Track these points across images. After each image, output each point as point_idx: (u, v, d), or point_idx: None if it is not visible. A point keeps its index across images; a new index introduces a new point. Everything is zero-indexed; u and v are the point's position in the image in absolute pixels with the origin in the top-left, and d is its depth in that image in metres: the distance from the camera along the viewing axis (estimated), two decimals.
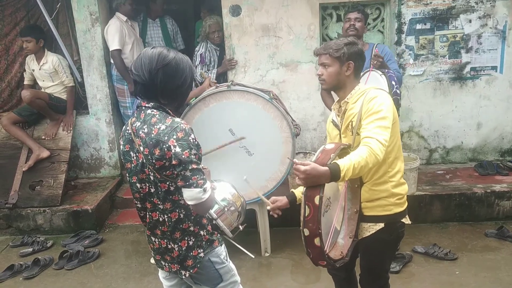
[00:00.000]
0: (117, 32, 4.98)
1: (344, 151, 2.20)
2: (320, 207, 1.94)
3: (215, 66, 4.98)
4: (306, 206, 1.96)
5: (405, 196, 2.48)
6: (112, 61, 5.17)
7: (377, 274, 2.60)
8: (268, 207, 2.60)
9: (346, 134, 2.42)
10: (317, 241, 1.98)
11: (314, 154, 4.69)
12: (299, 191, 2.58)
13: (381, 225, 2.41)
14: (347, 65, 2.36)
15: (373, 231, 2.42)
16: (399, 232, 2.49)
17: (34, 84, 5.30)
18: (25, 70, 5.26)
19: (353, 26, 3.94)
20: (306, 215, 1.96)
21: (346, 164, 2.01)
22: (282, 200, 2.57)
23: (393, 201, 2.41)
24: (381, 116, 2.20)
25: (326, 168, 1.97)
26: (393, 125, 2.27)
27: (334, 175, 1.98)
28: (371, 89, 2.36)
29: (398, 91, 3.41)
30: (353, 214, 2.43)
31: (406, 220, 2.50)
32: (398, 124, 2.42)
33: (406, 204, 2.49)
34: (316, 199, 1.94)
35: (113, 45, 5.01)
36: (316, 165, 1.97)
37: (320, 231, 1.96)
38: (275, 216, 2.61)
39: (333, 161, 2.02)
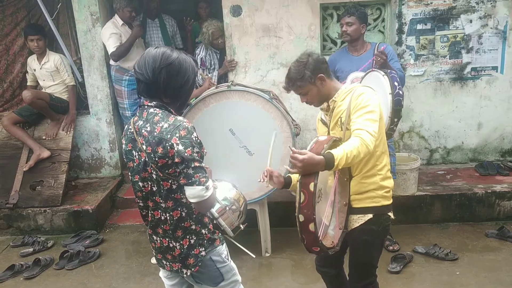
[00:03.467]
0: (111, 37, 4.97)
1: (335, 143, 2.28)
2: (314, 194, 2.02)
3: (216, 69, 4.97)
4: (301, 193, 2.05)
5: (391, 190, 2.57)
6: (112, 62, 5.16)
7: (365, 269, 2.64)
8: (266, 168, 2.62)
9: (335, 130, 2.52)
10: (311, 226, 2.06)
11: None
12: (295, 177, 2.62)
13: (370, 216, 2.50)
14: (318, 80, 2.45)
15: (362, 222, 2.51)
16: (386, 224, 2.57)
17: (37, 85, 5.32)
18: (27, 71, 5.27)
19: (345, 32, 4.00)
20: (301, 201, 2.05)
21: (340, 153, 2.11)
22: (280, 176, 2.61)
23: (381, 194, 2.50)
24: (369, 110, 2.31)
25: (321, 157, 2.07)
26: (379, 121, 2.36)
27: (329, 163, 2.08)
28: (358, 87, 2.46)
29: (400, 92, 3.40)
30: (342, 207, 2.51)
31: (391, 215, 2.59)
32: (384, 120, 2.54)
33: (391, 200, 2.57)
34: (311, 186, 2.02)
35: (110, 48, 5.00)
36: (313, 154, 2.07)
37: (314, 216, 2.04)
38: (260, 180, 2.61)
39: (328, 151, 2.11)
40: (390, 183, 2.54)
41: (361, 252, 2.59)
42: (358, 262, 2.64)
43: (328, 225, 2.47)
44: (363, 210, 2.51)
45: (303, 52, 2.56)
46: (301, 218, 2.06)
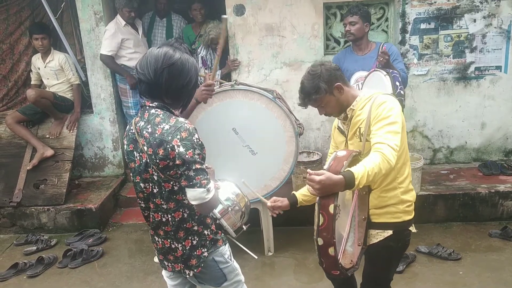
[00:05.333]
0: (108, 38, 5.00)
1: (355, 158, 2.16)
2: (334, 216, 1.90)
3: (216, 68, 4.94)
4: (320, 215, 1.91)
5: (413, 203, 2.43)
6: (117, 61, 5.18)
7: (380, 283, 2.57)
8: (268, 204, 2.61)
9: (353, 140, 2.39)
10: (331, 250, 1.94)
11: (317, 154, 4.71)
12: (300, 194, 2.58)
13: (389, 232, 2.37)
14: (336, 89, 2.32)
15: (381, 238, 2.38)
16: (406, 240, 2.45)
17: (41, 84, 5.34)
18: (31, 70, 5.29)
19: (349, 32, 3.99)
20: (320, 224, 1.91)
21: (360, 171, 1.96)
22: (283, 201, 2.58)
23: (402, 209, 2.37)
24: (391, 121, 2.16)
25: (341, 176, 1.92)
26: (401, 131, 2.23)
27: (349, 183, 1.93)
28: (378, 94, 2.31)
29: (402, 92, 3.39)
30: (361, 221, 2.40)
31: (413, 229, 2.47)
32: (405, 129, 2.38)
33: (413, 213, 2.45)
34: (331, 208, 1.89)
35: (102, 50, 5.06)
36: (331, 174, 1.92)
37: (334, 240, 1.92)
38: (274, 215, 2.64)
39: (347, 169, 1.98)
40: (412, 196, 2.40)
41: (378, 268, 2.50)
42: (373, 276, 2.54)
43: (347, 239, 2.37)
44: (383, 226, 2.38)
45: (314, 63, 2.43)
46: (320, 241, 1.93)
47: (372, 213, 2.39)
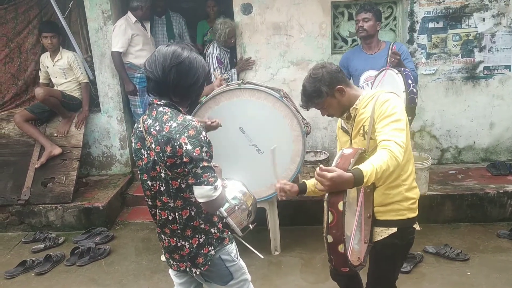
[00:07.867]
0: (119, 34, 5.00)
1: (360, 155, 2.16)
2: (343, 213, 1.90)
3: (228, 67, 4.97)
4: (330, 213, 1.92)
5: (417, 201, 2.44)
6: (124, 60, 5.19)
7: (386, 283, 2.56)
8: (278, 185, 2.54)
9: (357, 139, 2.40)
10: (341, 248, 1.94)
11: (324, 153, 4.70)
12: (310, 183, 2.55)
13: (394, 229, 2.38)
14: (337, 92, 2.34)
15: (385, 235, 2.39)
16: (410, 238, 2.46)
17: (49, 83, 5.36)
18: (40, 69, 5.32)
19: (362, 28, 3.98)
20: (329, 221, 1.92)
21: (369, 169, 1.97)
22: (292, 187, 2.54)
23: (407, 206, 2.38)
24: (396, 119, 2.17)
25: (350, 174, 1.93)
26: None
27: (358, 180, 1.94)
28: (381, 92, 2.33)
29: (414, 90, 3.38)
30: (366, 219, 2.40)
31: (416, 226, 2.48)
32: (409, 126, 2.37)
33: (417, 211, 2.45)
34: (340, 205, 1.90)
35: (113, 47, 5.06)
36: (342, 171, 1.93)
37: (344, 237, 1.93)
38: (279, 198, 2.58)
39: (355, 167, 1.98)
40: (416, 193, 2.42)
41: (383, 266, 2.50)
42: (379, 276, 2.54)
43: (353, 237, 2.35)
44: (387, 223, 2.39)
45: (315, 65, 2.44)
46: (330, 239, 1.94)
47: (377, 211, 2.40)
